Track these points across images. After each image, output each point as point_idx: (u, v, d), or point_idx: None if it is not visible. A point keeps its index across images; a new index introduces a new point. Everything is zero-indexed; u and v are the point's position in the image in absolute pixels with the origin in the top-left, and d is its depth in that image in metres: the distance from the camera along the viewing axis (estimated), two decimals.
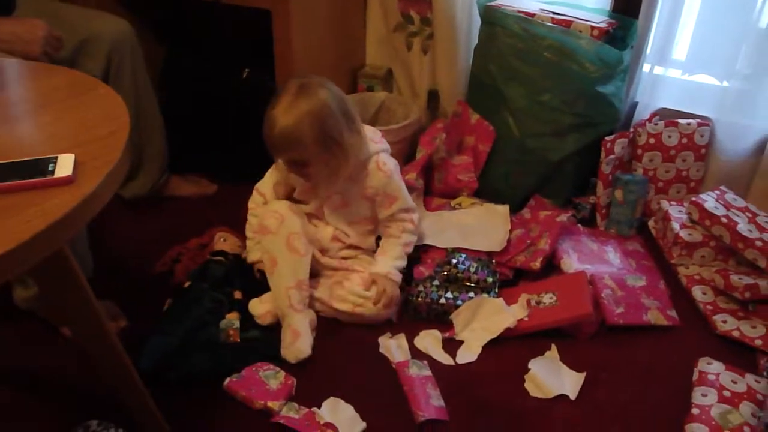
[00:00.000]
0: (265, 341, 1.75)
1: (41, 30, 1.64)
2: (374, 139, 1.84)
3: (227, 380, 1.62)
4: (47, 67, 1.39)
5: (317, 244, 1.88)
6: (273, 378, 1.63)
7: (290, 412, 1.55)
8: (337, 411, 1.57)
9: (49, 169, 0.96)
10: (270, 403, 1.55)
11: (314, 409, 1.57)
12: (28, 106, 1.21)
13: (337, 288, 1.83)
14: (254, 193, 1.95)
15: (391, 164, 1.85)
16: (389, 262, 1.86)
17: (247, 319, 1.80)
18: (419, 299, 1.84)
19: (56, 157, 0.99)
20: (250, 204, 1.95)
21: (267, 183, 1.93)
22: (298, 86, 1.66)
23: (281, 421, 1.53)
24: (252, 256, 1.91)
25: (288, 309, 1.74)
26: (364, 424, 1.54)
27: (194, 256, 2.00)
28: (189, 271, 1.93)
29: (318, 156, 1.68)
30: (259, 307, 1.81)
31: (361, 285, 1.81)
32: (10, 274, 0.85)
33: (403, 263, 1.88)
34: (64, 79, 1.29)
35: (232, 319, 1.77)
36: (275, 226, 1.75)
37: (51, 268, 1.23)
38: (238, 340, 1.73)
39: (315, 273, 1.87)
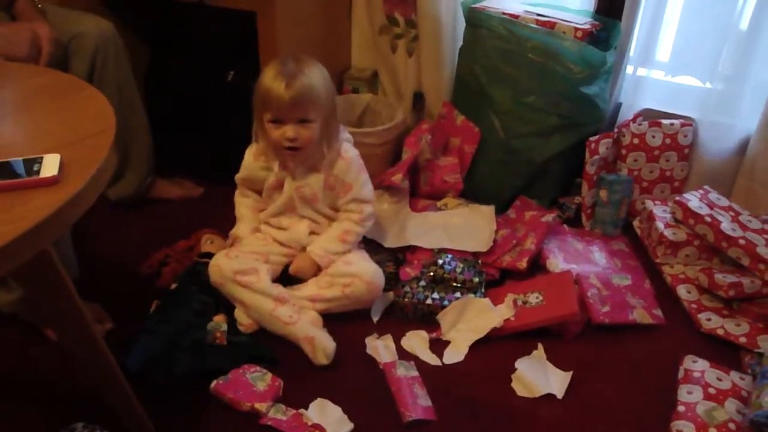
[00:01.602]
0: (252, 344, 1.74)
1: (28, 32, 1.67)
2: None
3: (214, 382, 1.61)
4: (33, 68, 1.39)
5: (295, 244, 1.89)
6: (260, 380, 1.62)
7: (277, 414, 1.55)
8: (325, 412, 1.56)
9: (35, 169, 0.96)
10: (257, 405, 1.55)
11: (301, 410, 1.56)
12: (13, 107, 1.20)
13: (322, 277, 1.83)
14: (237, 182, 1.97)
15: (352, 153, 1.88)
16: (318, 242, 1.87)
17: (234, 321, 1.80)
18: (406, 300, 1.84)
19: (41, 158, 0.98)
20: (236, 200, 1.97)
21: (241, 174, 1.95)
22: (293, 56, 1.76)
23: (269, 423, 1.52)
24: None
25: (286, 327, 1.75)
26: (351, 425, 1.53)
27: (181, 259, 2.00)
28: (176, 273, 1.93)
29: (325, 114, 1.76)
30: (246, 317, 1.81)
31: (342, 266, 1.83)
32: None
33: (334, 248, 1.86)
34: (49, 80, 1.29)
35: (220, 321, 1.77)
36: (219, 277, 1.80)
37: (35, 270, 1.22)
38: (225, 342, 1.73)
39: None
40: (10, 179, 0.94)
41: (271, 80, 1.71)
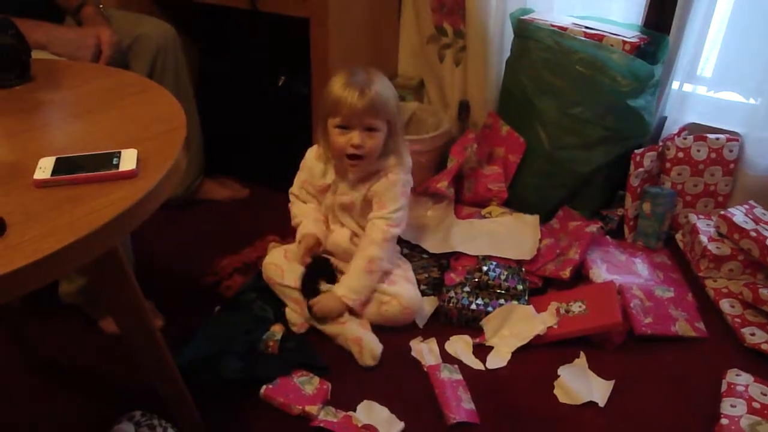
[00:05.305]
0: (299, 351, 1.75)
1: (93, 39, 1.73)
2: None
3: (263, 388, 1.62)
4: (103, 68, 1.44)
5: (338, 249, 1.91)
6: (308, 384, 1.64)
7: (328, 416, 1.56)
8: (373, 413, 1.58)
9: (114, 162, 1.00)
10: (308, 408, 1.56)
11: (350, 412, 1.58)
12: (87, 105, 1.25)
13: None
14: (291, 198, 1.98)
15: (400, 176, 1.85)
16: (345, 281, 1.83)
17: (290, 330, 1.83)
18: (450, 305, 1.86)
19: (120, 152, 1.02)
20: (292, 210, 1.97)
21: (296, 185, 1.97)
22: (362, 67, 1.79)
23: (321, 425, 1.54)
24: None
25: (336, 326, 1.79)
26: (402, 424, 1.55)
27: (250, 271, 2.00)
28: (243, 283, 1.95)
29: (390, 126, 1.79)
30: (298, 317, 1.84)
31: (385, 284, 1.84)
32: (78, 262, 0.88)
33: (363, 282, 1.81)
34: (120, 80, 1.34)
35: (276, 331, 1.79)
36: (279, 276, 1.85)
37: (103, 261, 1.26)
38: (277, 352, 1.74)
39: None
40: (92, 172, 0.98)
41: (342, 88, 1.72)
